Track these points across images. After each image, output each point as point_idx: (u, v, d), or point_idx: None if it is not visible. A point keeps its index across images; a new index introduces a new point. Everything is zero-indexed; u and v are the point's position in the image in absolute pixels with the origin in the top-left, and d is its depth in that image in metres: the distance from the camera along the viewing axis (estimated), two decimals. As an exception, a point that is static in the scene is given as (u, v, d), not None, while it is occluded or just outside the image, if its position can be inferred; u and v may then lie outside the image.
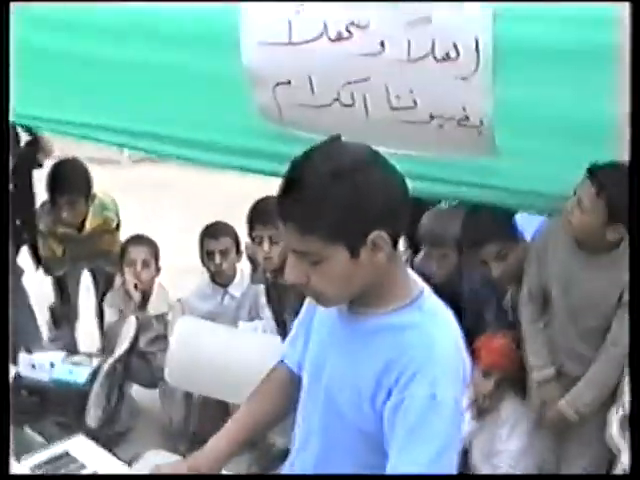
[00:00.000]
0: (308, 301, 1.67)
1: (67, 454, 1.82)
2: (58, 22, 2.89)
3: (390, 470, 1.42)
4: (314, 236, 1.37)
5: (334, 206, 1.35)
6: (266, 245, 3.07)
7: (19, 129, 3.63)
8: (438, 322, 1.49)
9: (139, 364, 3.45)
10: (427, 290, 1.54)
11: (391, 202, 1.40)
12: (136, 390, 3.72)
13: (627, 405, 2.44)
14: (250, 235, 3.18)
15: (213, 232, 3.51)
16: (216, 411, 3.37)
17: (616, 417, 2.50)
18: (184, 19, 2.66)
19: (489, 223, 2.79)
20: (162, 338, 3.46)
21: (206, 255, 3.50)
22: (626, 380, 2.47)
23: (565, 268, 2.63)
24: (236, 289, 3.52)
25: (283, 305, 3.33)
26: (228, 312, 3.46)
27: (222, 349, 2.94)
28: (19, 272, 3.76)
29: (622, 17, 2.08)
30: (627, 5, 2.07)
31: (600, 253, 2.54)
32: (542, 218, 2.88)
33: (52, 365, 3.18)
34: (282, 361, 1.80)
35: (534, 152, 2.49)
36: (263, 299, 3.42)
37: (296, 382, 1.70)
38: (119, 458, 3.02)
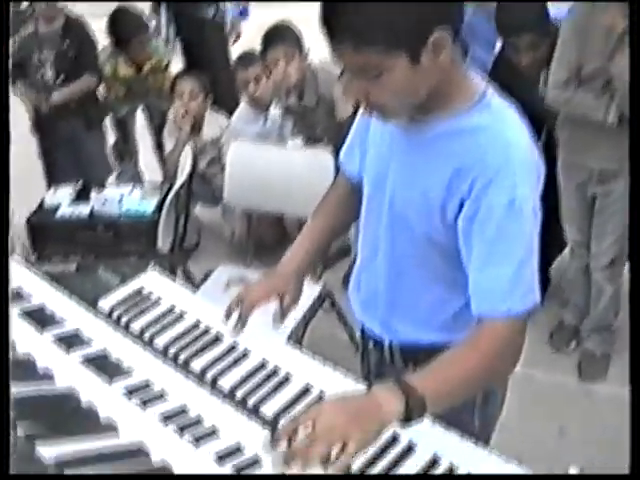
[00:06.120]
0: (361, 113, 1.51)
1: (142, 289, 1.72)
2: None
3: (472, 287, 1.32)
4: (371, 47, 1.18)
5: (389, 9, 1.15)
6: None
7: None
8: (509, 122, 1.31)
9: (200, 185, 3.64)
10: (491, 88, 1.35)
11: None
12: (199, 210, 3.99)
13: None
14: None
15: (243, 62, 3.61)
16: (273, 221, 3.65)
17: None
18: None
19: (524, 12, 2.76)
20: (217, 160, 3.70)
21: (241, 84, 3.62)
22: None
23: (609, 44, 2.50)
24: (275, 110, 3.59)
25: (312, 126, 3.43)
26: (273, 132, 3.57)
27: (272, 166, 3.04)
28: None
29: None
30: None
31: None
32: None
33: (121, 198, 3.19)
34: (341, 174, 1.68)
35: None
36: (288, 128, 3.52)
37: (357, 192, 1.58)
38: (191, 278, 3.19)
